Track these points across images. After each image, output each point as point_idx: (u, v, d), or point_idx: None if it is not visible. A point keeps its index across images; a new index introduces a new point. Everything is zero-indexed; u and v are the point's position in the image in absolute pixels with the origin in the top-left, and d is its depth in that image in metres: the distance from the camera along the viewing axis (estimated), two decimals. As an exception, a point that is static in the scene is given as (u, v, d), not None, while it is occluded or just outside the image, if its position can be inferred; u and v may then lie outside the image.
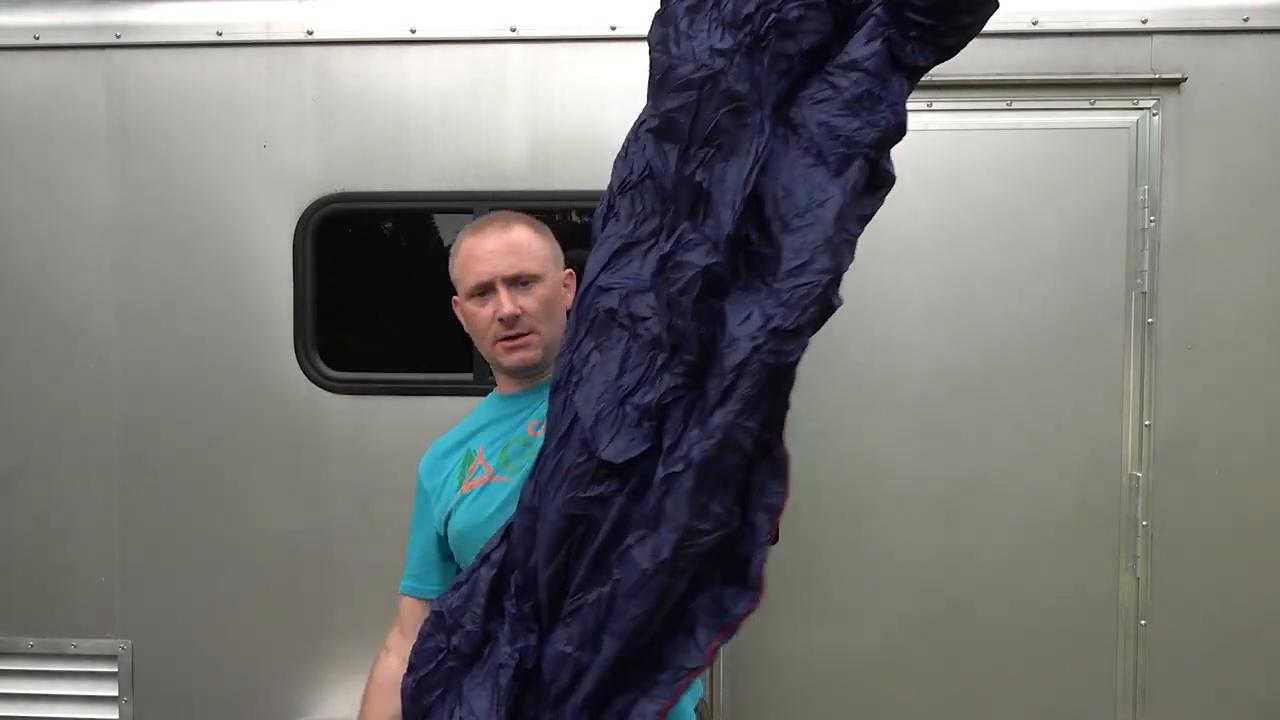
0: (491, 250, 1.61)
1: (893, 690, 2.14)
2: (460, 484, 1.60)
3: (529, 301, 1.61)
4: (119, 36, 2.26)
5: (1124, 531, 2.18)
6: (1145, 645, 2.19)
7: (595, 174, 2.21)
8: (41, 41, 2.28)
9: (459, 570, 1.56)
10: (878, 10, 1.30)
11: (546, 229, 1.70)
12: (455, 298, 1.69)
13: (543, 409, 1.56)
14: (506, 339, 1.60)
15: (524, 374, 1.65)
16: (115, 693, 2.32)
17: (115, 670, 2.31)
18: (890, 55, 1.30)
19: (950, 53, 1.37)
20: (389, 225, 2.40)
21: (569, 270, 1.72)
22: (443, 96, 2.23)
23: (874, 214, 1.35)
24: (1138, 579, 2.18)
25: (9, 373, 2.31)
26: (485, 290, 1.61)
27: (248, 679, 2.31)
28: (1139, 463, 2.18)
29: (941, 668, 2.22)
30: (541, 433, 1.53)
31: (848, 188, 1.29)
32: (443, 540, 1.60)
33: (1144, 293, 2.16)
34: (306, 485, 2.28)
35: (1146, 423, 2.17)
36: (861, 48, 1.30)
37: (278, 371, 2.27)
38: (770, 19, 1.32)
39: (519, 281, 1.61)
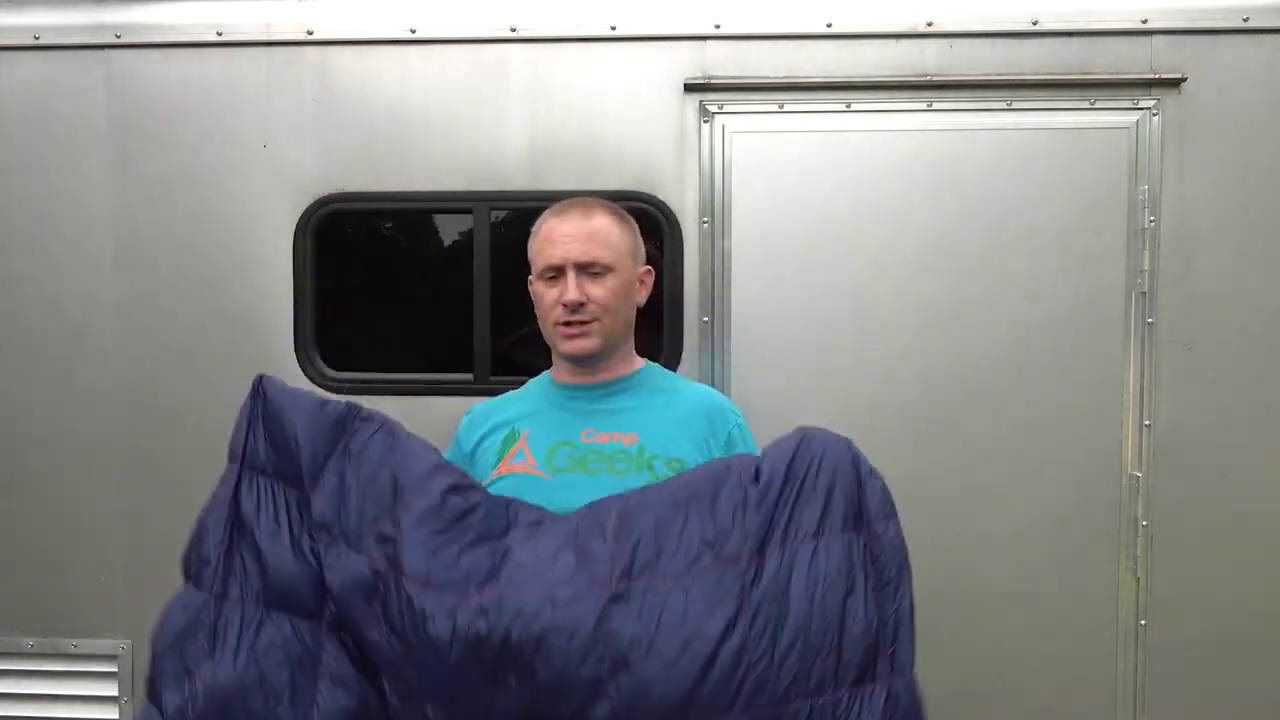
0: (568, 234, 1.59)
1: (893, 690, 2.14)
2: (497, 462, 1.60)
3: (597, 290, 1.58)
4: (119, 36, 2.26)
5: (1124, 531, 2.18)
6: (1145, 645, 2.19)
7: (595, 174, 2.22)
8: (41, 41, 2.27)
9: None
10: None
11: (631, 221, 1.67)
12: (530, 276, 1.68)
13: (599, 417, 1.59)
14: (567, 324, 1.59)
15: (581, 363, 1.64)
16: (115, 693, 2.32)
17: (115, 670, 2.31)
18: None
19: None
20: (389, 225, 2.40)
21: (648, 267, 1.70)
22: (443, 97, 2.23)
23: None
24: (1138, 579, 2.18)
25: (9, 372, 2.31)
26: (556, 273, 1.59)
27: (248, 679, 2.30)
28: (1139, 463, 2.18)
29: (941, 668, 2.21)
30: (595, 440, 1.57)
31: None
32: None
33: (1144, 293, 2.16)
34: (306, 485, 2.27)
35: (1146, 423, 2.17)
36: None
37: (278, 371, 2.24)
38: None
39: (591, 269, 1.58)
